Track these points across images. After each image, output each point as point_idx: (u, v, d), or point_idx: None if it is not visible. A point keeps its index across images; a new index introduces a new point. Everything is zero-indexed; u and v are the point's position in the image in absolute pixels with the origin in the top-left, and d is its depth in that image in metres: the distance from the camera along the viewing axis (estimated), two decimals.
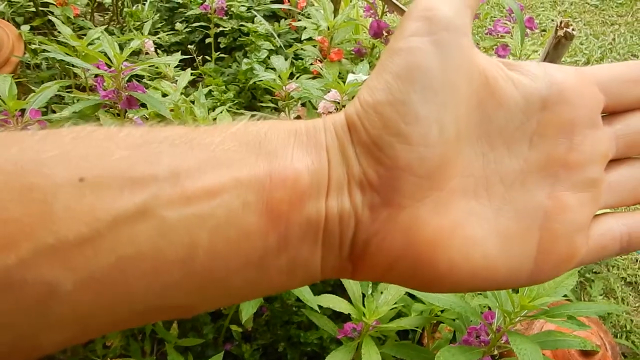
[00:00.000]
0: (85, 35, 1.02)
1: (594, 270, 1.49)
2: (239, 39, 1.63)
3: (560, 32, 0.82)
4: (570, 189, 0.21)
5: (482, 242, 0.20)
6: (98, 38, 0.97)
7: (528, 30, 1.32)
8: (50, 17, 1.23)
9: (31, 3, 1.47)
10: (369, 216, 0.19)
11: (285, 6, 1.65)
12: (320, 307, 0.80)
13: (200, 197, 0.17)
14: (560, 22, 0.85)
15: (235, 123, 0.20)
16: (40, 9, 1.41)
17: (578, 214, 0.21)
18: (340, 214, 0.19)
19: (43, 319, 0.16)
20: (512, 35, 1.33)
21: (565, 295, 1.01)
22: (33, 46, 1.41)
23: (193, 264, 0.17)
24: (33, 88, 0.99)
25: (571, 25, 0.85)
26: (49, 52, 0.96)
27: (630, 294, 1.47)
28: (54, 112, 1.10)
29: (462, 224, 0.20)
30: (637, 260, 1.55)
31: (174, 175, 0.17)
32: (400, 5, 1.17)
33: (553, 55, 0.85)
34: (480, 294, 0.76)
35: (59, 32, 1.06)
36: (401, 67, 0.19)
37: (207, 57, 1.60)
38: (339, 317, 0.94)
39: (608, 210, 0.23)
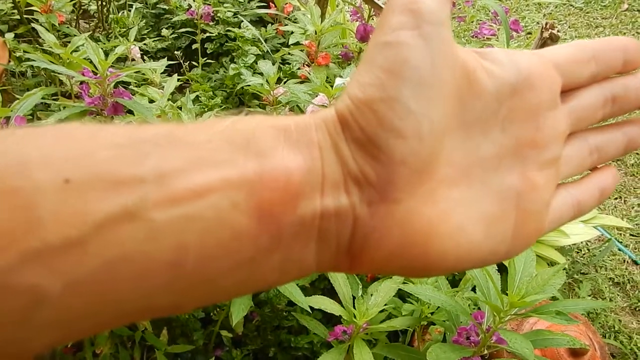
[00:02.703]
0: (70, 42, 1.02)
1: (582, 272, 1.50)
2: (225, 44, 1.63)
3: (546, 34, 0.83)
4: (538, 169, 0.22)
5: (467, 227, 0.21)
6: (82, 45, 0.97)
7: (513, 33, 1.33)
8: (34, 25, 1.22)
9: (15, 11, 1.46)
10: (368, 212, 0.19)
11: (272, 11, 1.65)
12: (311, 310, 0.80)
13: (187, 198, 0.17)
14: (546, 24, 0.86)
15: (222, 120, 0.19)
16: (25, 16, 1.40)
17: (545, 191, 0.23)
18: (337, 212, 0.19)
19: (30, 322, 0.16)
20: (497, 38, 1.34)
21: (554, 297, 1.02)
22: (18, 54, 1.40)
23: (182, 266, 0.17)
24: (17, 96, 0.98)
25: (556, 27, 0.86)
26: (33, 60, 0.95)
27: (618, 294, 1.48)
28: (39, 119, 1.09)
29: (450, 213, 0.20)
30: (624, 261, 1.57)
31: (160, 176, 0.17)
32: None
33: None
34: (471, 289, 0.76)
35: (43, 39, 1.06)
36: (391, 62, 0.19)
37: (194, 63, 1.60)
38: (329, 322, 0.94)
39: None
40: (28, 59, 1.03)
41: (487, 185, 0.21)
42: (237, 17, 1.67)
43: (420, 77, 0.19)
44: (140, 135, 0.18)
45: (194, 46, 1.59)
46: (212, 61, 1.64)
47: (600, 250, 1.57)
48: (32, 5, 1.29)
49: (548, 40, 0.81)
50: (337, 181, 0.19)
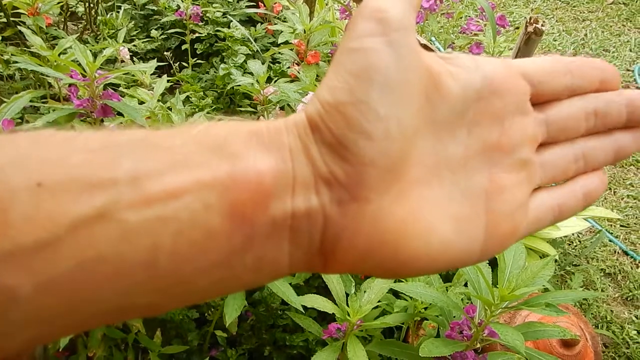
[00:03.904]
0: (58, 44, 1.01)
1: (573, 263, 1.51)
2: (215, 44, 1.63)
3: (530, 28, 0.83)
4: (505, 171, 0.23)
5: (438, 227, 0.21)
6: (70, 47, 0.96)
7: (501, 28, 1.34)
8: (21, 28, 1.21)
9: (2, 14, 1.45)
10: (338, 212, 0.20)
11: (261, 10, 1.65)
12: (305, 309, 0.80)
13: (161, 199, 0.17)
14: (530, 19, 0.87)
15: (196, 125, 0.20)
16: (12, 19, 1.39)
17: (515, 193, 0.23)
18: (308, 212, 0.20)
19: (5, 322, 0.16)
20: (485, 34, 1.35)
21: (546, 289, 1.03)
22: (5, 57, 1.39)
23: (156, 266, 0.17)
24: (5, 99, 0.98)
25: (540, 21, 0.87)
26: (21, 62, 0.95)
27: (609, 285, 1.49)
28: (28, 122, 1.09)
29: (420, 212, 0.21)
30: (615, 252, 1.58)
31: (134, 178, 0.17)
32: None
33: (524, 50, 0.87)
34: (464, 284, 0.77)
35: (31, 42, 1.05)
36: (359, 67, 0.20)
37: (184, 64, 1.59)
38: (324, 320, 0.94)
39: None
40: (16, 62, 1.02)
41: (457, 186, 0.22)
42: (226, 17, 1.67)
43: (387, 80, 0.20)
44: (115, 140, 0.18)
45: (183, 47, 1.59)
46: (202, 61, 1.64)
47: (591, 242, 1.58)
48: (19, 8, 1.28)
49: (532, 34, 0.82)
50: (308, 182, 0.20)
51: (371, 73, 0.20)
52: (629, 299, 1.46)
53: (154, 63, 1.17)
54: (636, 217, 1.70)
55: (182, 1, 1.52)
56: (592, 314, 1.40)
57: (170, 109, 1.01)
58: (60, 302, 0.17)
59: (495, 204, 0.22)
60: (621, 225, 1.67)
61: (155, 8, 1.77)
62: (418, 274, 0.22)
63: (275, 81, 1.23)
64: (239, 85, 1.16)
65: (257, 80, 1.09)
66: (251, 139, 0.20)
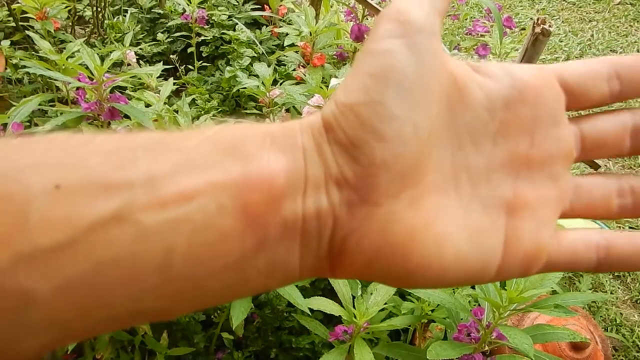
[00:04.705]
0: (66, 48, 1.02)
1: None
2: (221, 47, 1.63)
3: (537, 29, 0.83)
4: (532, 185, 0.22)
5: (453, 237, 0.20)
6: (78, 51, 0.97)
7: (507, 29, 1.34)
8: (29, 33, 1.22)
9: (11, 18, 1.46)
10: (347, 214, 0.19)
11: (266, 13, 1.66)
12: (311, 312, 0.80)
13: (175, 201, 0.17)
14: (537, 20, 0.86)
15: (210, 127, 0.20)
16: (21, 23, 1.40)
17: (540, 210, 0.22)
18: (318, 213, 0.19)
19: (21, 324, 0.16)
20: (491, 35, 1.35)
21: (554, 291, 1.02)
22: (14, 61, 1.40)
23: (171, 268, 0.17)
24: (14, 103, 0.98)
25: (548, 22, 0.86)
26: (29, 67, 0.95)
27: (619, 287, 1.48)
28: (37, 125, 1.09)
29: (435, 221, 0.20)
30: None
31: (149, 180, 0.17)
32: (380, 8, 1.18)
33: (531, 52, 0.86)
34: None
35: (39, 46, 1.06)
36: (376, 68, 0.19)
37: (190, 66, 1.60)
38: (330, 322, 0.94)
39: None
40: (24, 66, 1.03)
41: (476, 197, 0.21)
42: (231, 19, 1.68)
43: (404, 82, 0.19)
44: (129, 142, 0.18)
45: (189, 50, 1.59)
46: (208, 64, 1.65)
47: None
48: (27, 12, 1.29)
49: (540, 35, 0.82)
50: (319, 183, 0.19)
51: (387, 74, 0.19)
52: (638, 301, 1.45)
53: (160, 66, 1.18)
54: None
55: (188, 4, 1.53)
56: (601, 316, 1.39)
57: (177, 112, 1.02)
58: (75, 305, 0.17)
59: (517, 219, 0.21)
60: (630, 227, 1.66)
61: (162, 11, 1.78)
62: (428, 284, 0.21)
63: (281, 83, 1.23)
64: (245, 88, 1.16)
65: (262, 83, 1.09)
66: (265, 140, 0.19)
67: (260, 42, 1.58)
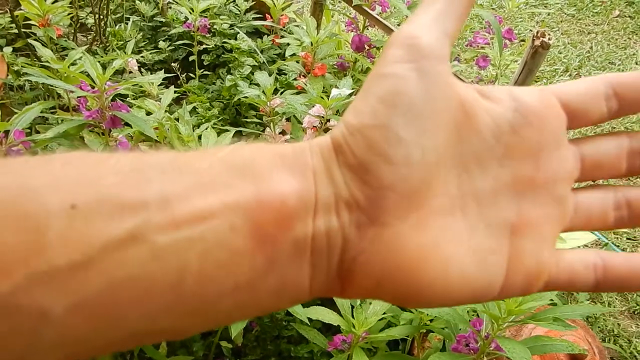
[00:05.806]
0: (68, 56, 1.02)
1: None
2: (222, 56, 1.64)
3: (537, 42, 0.84)
4: (535, 206, 0.22)
5: (459, 259, 0.21)
6: (80, 58, 0.98)
7: (507, 41, 1.35)
8: (30, 40, 1.23)
9: (13, 25, 1.47)
10: (356, 235, 0.20)
11: (268, 23, 1.67)
12: (310, 320, 0.80)
13: (189, 221, 0.18)
14: (537, 32, 0.87)
15: (223, 148, 0.20)
16: (23, 30, 1.41)
17: (542, 230, 0.22)
18: (328, 234, 0.20)
19: (36, 342, 0.17)
20: (491, 46, 1.36)
21: (552, 301, 1.02)
22: (16, 68, 1.41)
23: (183, 287, 0.18)
24: (16, 110, 0.99)
25: (547, 34, 0.87)
26: (31, 74, 0.96)
27: (616, 298, 1.48)
28: (38, 133, 1.10)
29: (441, 242, 0.21)
30: None
31: (163, 200, 0.18)
32: (381, 19, 1.19)
33: (531, 64, 0.87)
34: None
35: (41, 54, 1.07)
36: (385, 92, 0.20)
37: (191, 75, 1.61)
38: (329, 331, 0.94)
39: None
40: (26, 73, 1.03)
41: (482, 219, 0.22)
42: (233, 29, 1.69)
43: (413, 107, 0.20)
44: (144, 162, 0.19)
45: (190, 58, 1.60)
46: (209, 73, 1.65)
47: None
48: (30, 19, 1.30)
49: (539, 48, 0.83)
50: (329, 204, 0.20)
51: (396, 98, 0.20)
52: (636, 312, 1.45)
53: (161, 74, 1.18)
54: None
55: (190, 13, 1.54)
56: (599, 327, 1.39)
57: (178, 120, 1.02)
58: (89, 324, 0.17)
59: (520, 239, 0.22)
60: (627, 238, 1.66)
61: (163, 20, 1.79)
62: (434, 304, 0.21)
63: (282, 93, 1.24)
64: (246, 97, 1.17)
65: (263, 92, 1.09)
66: (276, 161, 0.20)
67: (262, 51, 1.59)
